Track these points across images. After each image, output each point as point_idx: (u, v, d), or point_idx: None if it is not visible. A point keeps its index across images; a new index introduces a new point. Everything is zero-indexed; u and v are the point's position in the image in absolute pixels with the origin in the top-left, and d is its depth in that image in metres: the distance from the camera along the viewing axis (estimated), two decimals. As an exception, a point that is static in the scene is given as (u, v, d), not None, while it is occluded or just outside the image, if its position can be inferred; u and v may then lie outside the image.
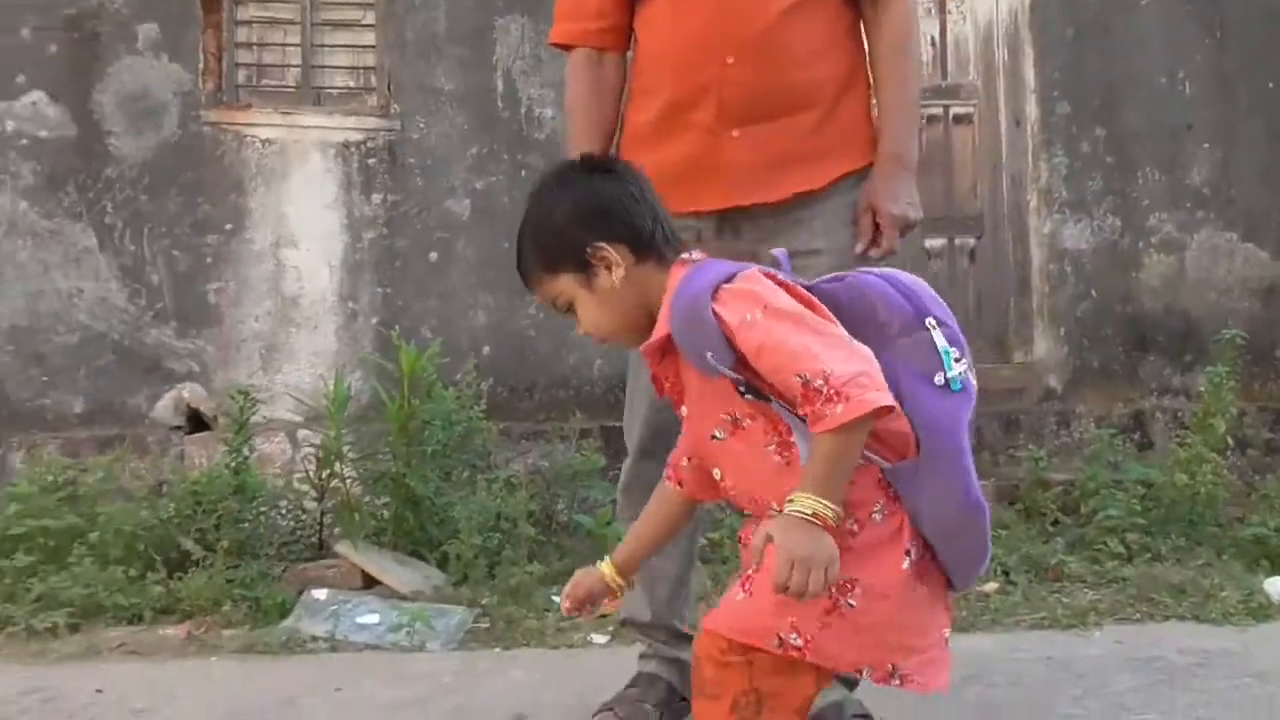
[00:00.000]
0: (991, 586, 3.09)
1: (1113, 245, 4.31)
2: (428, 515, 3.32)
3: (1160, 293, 4.32)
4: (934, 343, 1.36)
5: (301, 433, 3.91)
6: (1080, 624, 2.76)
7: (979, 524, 1.38)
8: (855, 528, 1.33)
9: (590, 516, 3.51)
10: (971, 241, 4.41)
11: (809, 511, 1.27)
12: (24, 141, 3.99)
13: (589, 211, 1.46)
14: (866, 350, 1.31)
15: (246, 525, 3.33)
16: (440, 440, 3.38)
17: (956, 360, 1.36)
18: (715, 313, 1.34)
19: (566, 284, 1.48)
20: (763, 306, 1.33)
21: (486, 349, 4.02)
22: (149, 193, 4.02)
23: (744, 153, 1.91)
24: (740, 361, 1.34)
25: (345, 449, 3.43)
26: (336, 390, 3.37)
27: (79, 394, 4.01)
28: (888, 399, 1.27)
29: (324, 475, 3.43)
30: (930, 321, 1.37)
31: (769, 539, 1.28)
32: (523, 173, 4.01)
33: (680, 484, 1.57)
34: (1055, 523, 3.60)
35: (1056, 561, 3.22)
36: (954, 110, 4.43)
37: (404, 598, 3.05)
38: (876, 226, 1.92)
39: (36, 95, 3.99)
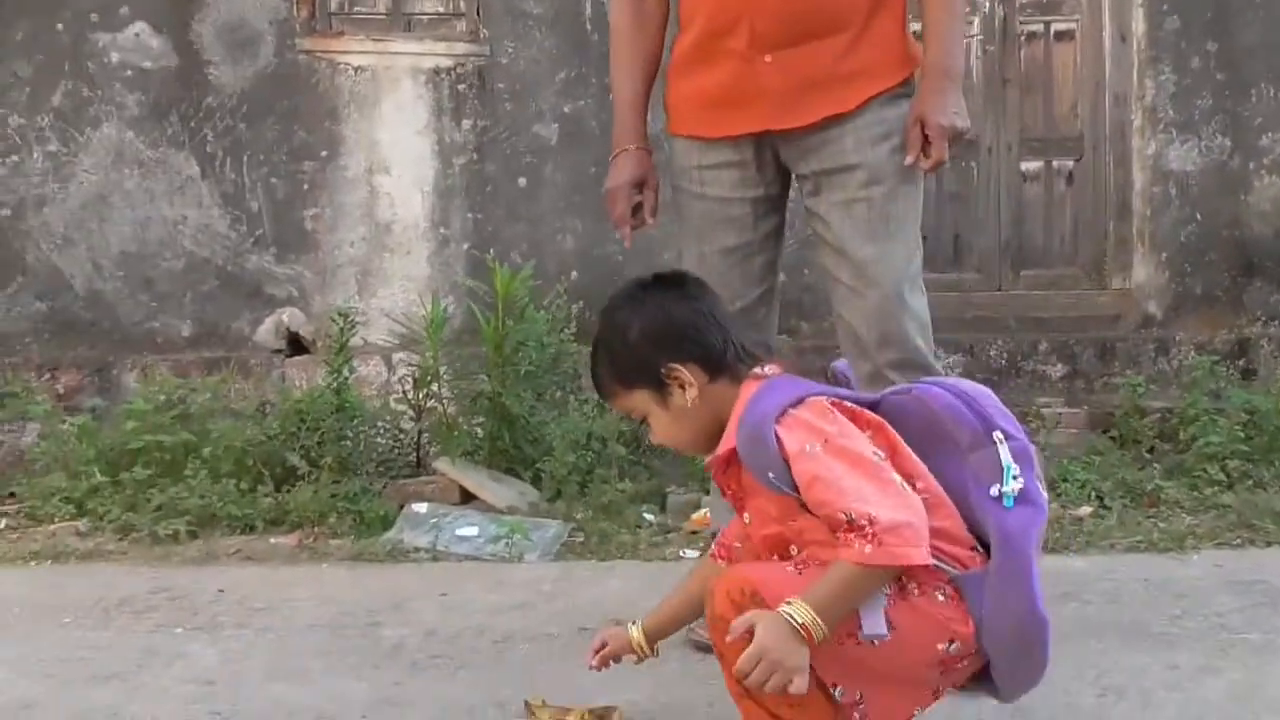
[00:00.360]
0: (1086, 510, 3.07)
1: (1221, 167, 4.15)
2: (522, 434, 3.40)
3: (1270, 216, 4.16)
4: (999, 458, 1.38)
5: (396, 356, 4.01)
6: (1178, 548, 2.73)
7: (1041, 637, 1.39)
8: (916, 591, 1.36)
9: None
10: (1070, 164, 4.28)
11: (800, 621, 1.29)
12: (128, 73, 4.11)
13: (661, 332, 1.50)
14: (918, 502, 1.34)
15: (348, 443, 3.46)
16: (533, 361, 3.45)
17: (1015, 477, 1.37)
18: (777, 435, 1.37)
19: (641, 400, 1.53)
20: (824, 440, 1.36)
21: (575, 273, 4.06)
22: (247, 121, 4.12)
23: (776, 78, 1.95)
24: None
25: (441, 370, 3.53)
26: (433, 311, 3.45)
27: (186, 318, 4.16)
28: (922, 556, 1.30)
29: (421, 395, 3.54)
30: (997, 435, 1.39)
31: (751, 626, 1.31)
32: (610, 96, 3.99)
33: (729, 561, 1.60)
34: (1151, 450, 3.54)
35: (1153, 488, 3.17)
36: (1055, 26, 4.27)
37: (500, 513, 3.15)
38: (926, 139, 1.93)
39: (139, 26, 4.09)
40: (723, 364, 1.49)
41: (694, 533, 3.00)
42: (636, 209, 2.13)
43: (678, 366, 1.49)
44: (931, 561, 1.32)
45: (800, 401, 1.40)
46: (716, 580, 1.43)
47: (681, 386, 1.49)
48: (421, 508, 3.15)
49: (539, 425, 3.42)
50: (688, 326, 1.50)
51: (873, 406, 1.47)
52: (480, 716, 1.82)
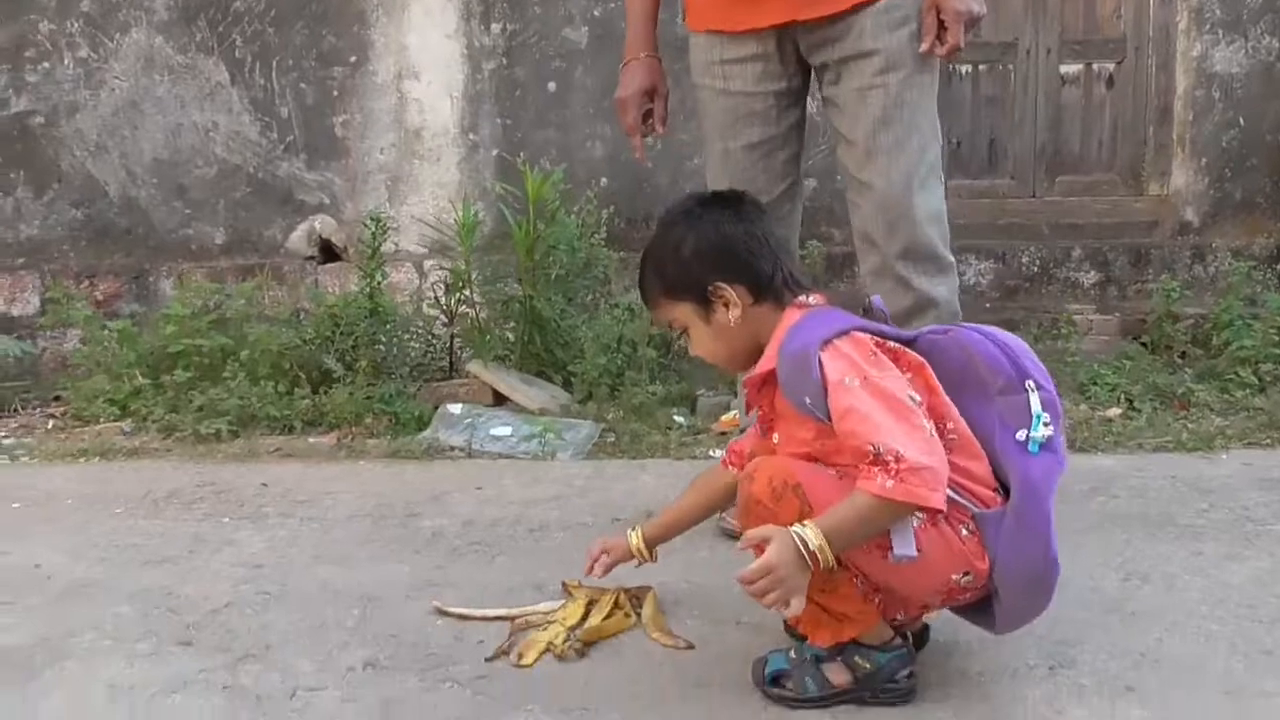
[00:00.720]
0: (1115, 412, 3.08)
1: (1268, 69, 4.04)
2: (553, 337, 3.44)
3: (1316, 120, 4.06)
4: (1029, 405, 1.42)
5: (428, 263, 4.04)
6: (1207, 448, 2.74)
7: (1050, 580, 1.44)
8: (944, 521, 1.40)
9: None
10: (1111, 67, 4.17)
11: (812, 546, 1.34)
12: (156, -24, 4.08)
13: (714, 250, 1.53)
14: (941, 449, 1.37)
15: (381, 347, 3.51)
16: (564, 265, 3.47)
17: (1045, 425, 1.41)
18: (820, 362, 1.39)
19: (684, 313, 1.56)
20: (863, 377, 1.39)
21: (604, 180, 4.04)
22: (275, 26, 4.09)
23: None
24: None
25: (472, 275, 3.55)
26: (465, 216, 3.46)
27: (219, 225, 4.19)
28: (938, 501, 1.34)
29: (453, 300, 3.57)
30: (1030, 384, 1.43)
31: (764, 540, 1.36)
32: None
33: (740, 470, 1.62)
34: (1183, 355, 3.52)
35: (1183, 391, 3.17)
36: (1099, -78, 4.14)
37: (532, 414, 3.20)
38: (941, 24, 1.93)
39: (170, -73, 4.05)
40: (769, 288, 1.53)
41: (723, 434, 3.04)
42: (647, 117, 2.14)
43: (725, 286, 1.52)
44: (944, 508, 1.36)
45: (845, 334, 1.43)
46: (758, 464, 1.46)
47: (726, 305, 1.53)
48: (456, 408, 3.21)
49: (570, 329, 3.45)
50: (741, 248, 1.53)
51: (909, 343, 1.50)
52: (519, 596, 1.88)
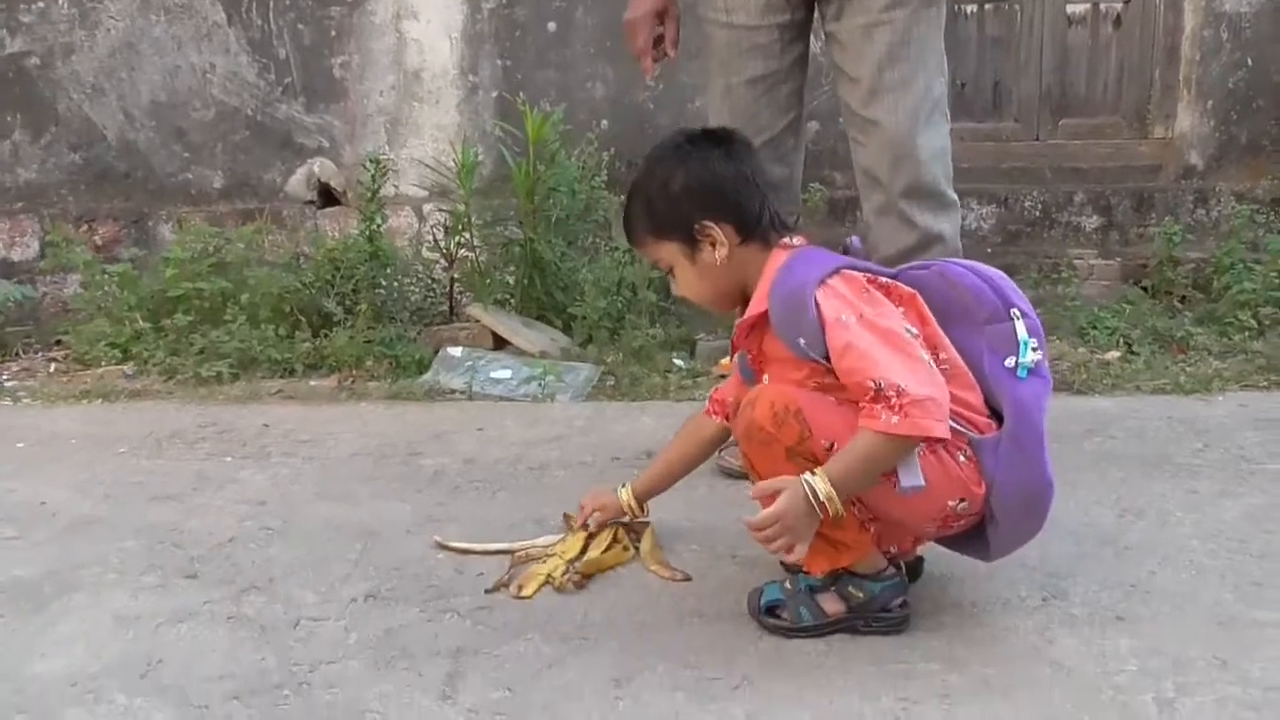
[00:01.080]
0: (1113, 355, 3.08)
1: (1278, 8, 3.98)
2: (553, 280, 3.43)
3: (1325, 62, 4.01)
4: (1015, 332, 1.45)
5: (427, 207, 4.02)
6: (1204, 390, 2.75)
7: (1046, 500, 1.47)
8: (942, 449, 1.42)
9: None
10: (1118, 6, 4.11)
11: (821, 496, 1.36)
12: (148, -87, 4.01)
13: (703, 189, 1.52)
14: (940, 379, 1.39)
15: (382, 290, 3.51)
16: (564, 208, 3.45)
17: (1034, 350, 1.45)
18: (816, 302, 1.40)
19: (670, 251, 1.56)
20: (859, 314, 1.40)
21: (605, 122, 4.01)
22: (271, -36, 4.03)
23: None
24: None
25: (472, 218, 3.54)
26: (464, 157, 3.44)
27: (218, 169, 4.17)
28: (942, 430, 1.35)
29: (453, 243, 3.56)
30: (1014, 312, 1.46)
31: (777, 490, 1.38)
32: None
33: (725, 418, 1.65)
34: (1184, 300, 3.52)
35: (1182, 334, 3.17)
36: None
37: (532, 357, 3.21)
38: None
39: None
40: (756, 228, 1.53)
41: (721, 377, 3.04)
42: (658, 41, 2.11)
43: (711, 225, 1.52)
44: (949, 437, 1.38)
45: (836, 272, 1.44)
46: (758, 390, 1.47)
47: (713, 244, 1.53)
48: (456, 351, 3.22)
49: (570, 272, 3.45)
50: (729, 186, 1.52)
51: (892, 279, 1.51)
52: (520, 530, 1.91)
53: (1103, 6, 4.14)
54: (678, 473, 1.82)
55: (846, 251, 1.54)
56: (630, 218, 1.60)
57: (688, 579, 1.71)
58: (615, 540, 1.79)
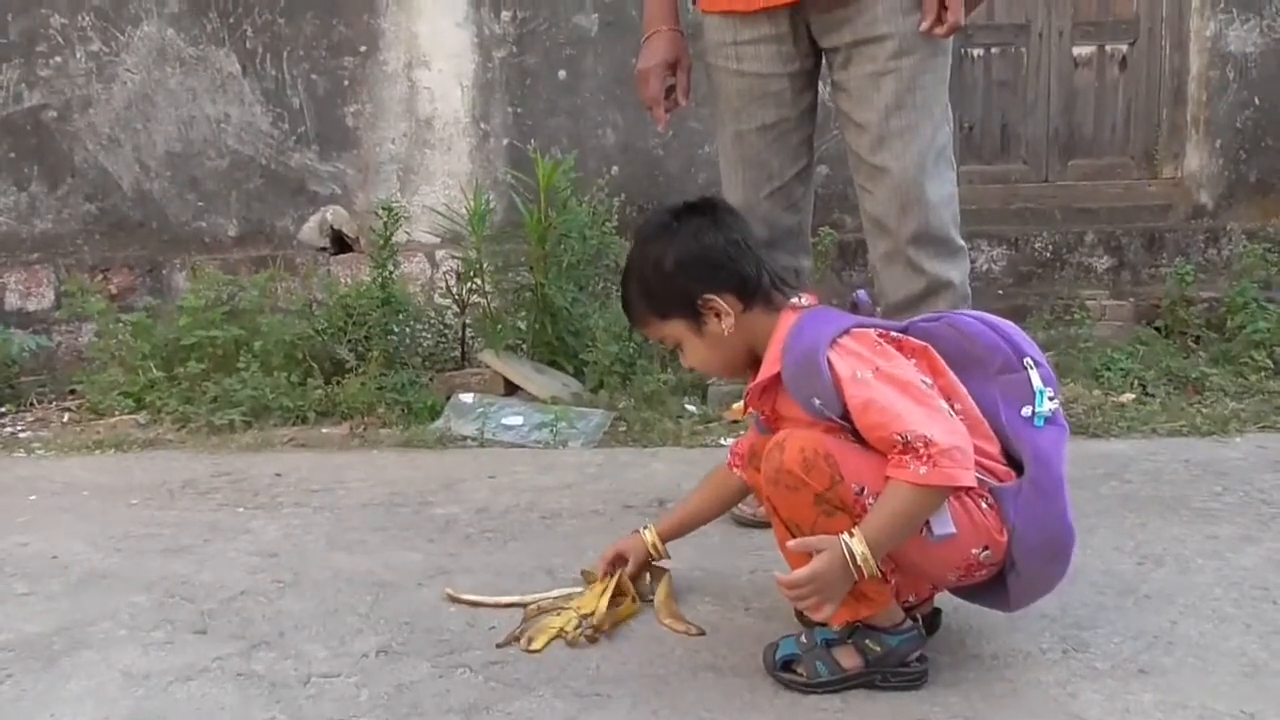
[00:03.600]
0: (1128, 397, 3.06)
1: (1282, 48, 4.01)
2: (565, 326, 3.44)
3: (1332, 100, 4.02)
4: (1030, 381, 1.45)
5: (440, 253, 4.05)
6: (1221, 431, 2.73)
7: (1068, 547, 1.45)
8: (966, 497, 1.41)
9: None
10: (1124, 48, 4.14)
11: (858, 557, 1.36)
12: (165, -31, 4.09)
13: (697, 262, 1.52)
14: (963, 428, 1.38)
15: (394, 337, 3.52)
16: (575, 253, 3.47)
17: (1050, 399, 1.44)
18: (830, 362, 1.39)
19: (675, 329, 1.56)
20: (874, 368, 1.39)
21: (615, 168, 4.04)
22: (286, 16, 4.10)
23: None
24: (848, 411, 1.41)
25: (484, 264, 3.56)
26: (476, 203, 3.46)
27: (232, 217, 4.22)
28: (969, 479, 1.34)
29: (465, 289, 3.58)
30: (1028, 361, 1.46)
31: (813, 549, 1.38)
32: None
33: (744, 471, 1.64)
34: (1197, 340, 3.50)
35: (1197, 375, 3.16)
36: (1111, -98, 4.10)
37: (544, 403, 3.21)
38: (942, 3, 1.93)
39: (174, -79, 4.06)
40: (757, 292, 1.52)
41: (735, 422, 3.04)
42: (670, 91, 2.13)
43: (713, 296, 1.51)
44: (975, 484, 1.37)
45: (846, 332, 1.44)
46: (787, 434, 1.45)
47: (718, 315, 1.52)
48: (468, 398, 3.22)
49: (582, 317, 3.45)
50: (722, 255, 1.52)
51: (902, 333, 1.50)
52: (532, 580, 1.89)
53: (1109, 48, 4.17)
54: (702, 519, 1.81)
55: (855, 307, 1.54)
56: (629, 302, 1.60)
57: (701, 633, 1.69)
58: (621, 593, 1.77)
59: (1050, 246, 4.02)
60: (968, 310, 1.58)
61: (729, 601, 1.79)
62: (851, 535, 1.36)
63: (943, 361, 1.47)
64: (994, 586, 1.49)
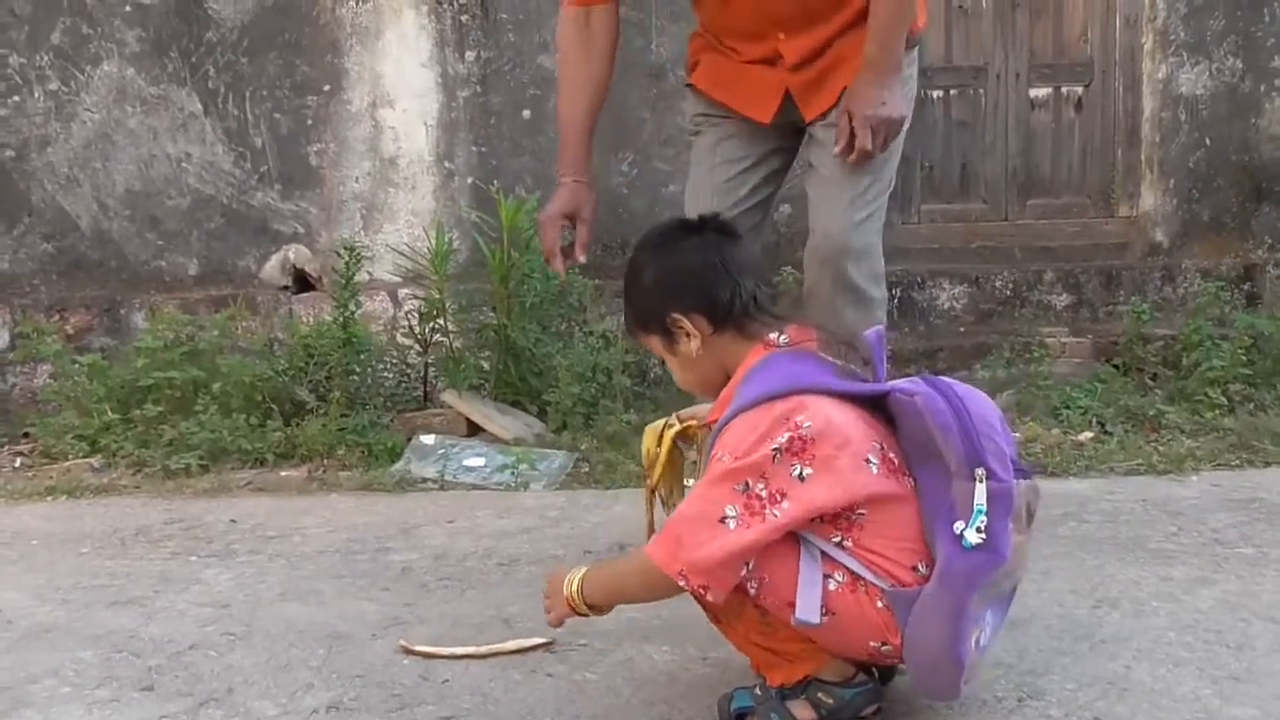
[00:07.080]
0: (1086, 436, 3.09)
1: (1232, 90, 4.08)
2: (527, 366, 3.43)
3: (1281, 140, 4.11)
4: (973, 495, 1.36)
5: (402, 292, 4.03)
6: (1177, 470, 2.76)
7: (950, 673, 1.40)
8: (863, 590, 1.39)
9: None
10: (1079, 90, 4.22)
11: (572, 587, 1.52)
12: (128, 8, 4.07)
13: (670, 281, 1.54)
14: (738, 538, 1.34)
15: (355, 377, 3.49)
16: (538, 293, 3.46)
17: (979, 530, 1.34)
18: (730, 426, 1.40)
19: (654, 344, 1.58)
20: (733, 459, 1.36)
21: (579, 208, 4.05)
22: (249, 55, 4.08)
23: (798, 87, 2.07)
24: None
25: (447, 304, 3.54)
26: (438, 243, 3.45)
27: (192, 256, 4.18)
28: (701, 591, 1.37)
29: (427, 329, 3.56)
30: (980, 472, 1.37)
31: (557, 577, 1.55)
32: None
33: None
34: (1154, 377, 3.54)
35: (1154, 413, 3.19)
36: (1064, -52, 4.19)
37: (506, 444, 3.19)
38: (852, 132, 1.98)
39: (136, -39, 4.05)
40: (728, 317, 1.50)
41: (693, 463, 3.02)
42: (571, 246, 2.12)
43: (680, 316, 1.51)
44: (711, 598, 1.38)
45: (790, 395, 1.39)
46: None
47: (687, 335, 1.52)
48: (429, 439, 3.20)
49: (544, 357, 3.44)
50: (694, 278, 1.52)
51: (883, 395, 1.46)
52: (489, 630, 1.87)
53: (1064, 90, 4.24)
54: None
55: (850, 347, 1.49)
56: (625, 309, 1.64)
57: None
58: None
59: (1010, 284, 4.07)
60: (952, 383, 1.45)
61: (686, 651, 1.77)
62: (578, 569, 1.51)
63: (894, 443, 1.44)
64: None
